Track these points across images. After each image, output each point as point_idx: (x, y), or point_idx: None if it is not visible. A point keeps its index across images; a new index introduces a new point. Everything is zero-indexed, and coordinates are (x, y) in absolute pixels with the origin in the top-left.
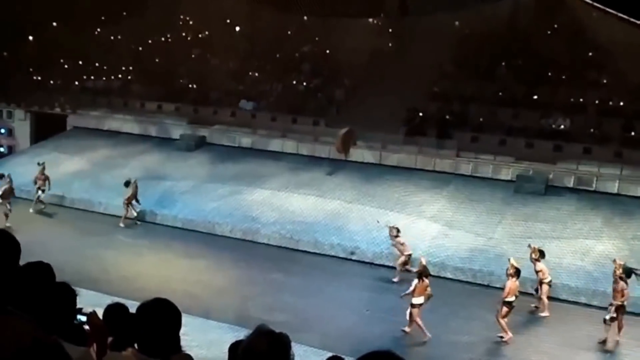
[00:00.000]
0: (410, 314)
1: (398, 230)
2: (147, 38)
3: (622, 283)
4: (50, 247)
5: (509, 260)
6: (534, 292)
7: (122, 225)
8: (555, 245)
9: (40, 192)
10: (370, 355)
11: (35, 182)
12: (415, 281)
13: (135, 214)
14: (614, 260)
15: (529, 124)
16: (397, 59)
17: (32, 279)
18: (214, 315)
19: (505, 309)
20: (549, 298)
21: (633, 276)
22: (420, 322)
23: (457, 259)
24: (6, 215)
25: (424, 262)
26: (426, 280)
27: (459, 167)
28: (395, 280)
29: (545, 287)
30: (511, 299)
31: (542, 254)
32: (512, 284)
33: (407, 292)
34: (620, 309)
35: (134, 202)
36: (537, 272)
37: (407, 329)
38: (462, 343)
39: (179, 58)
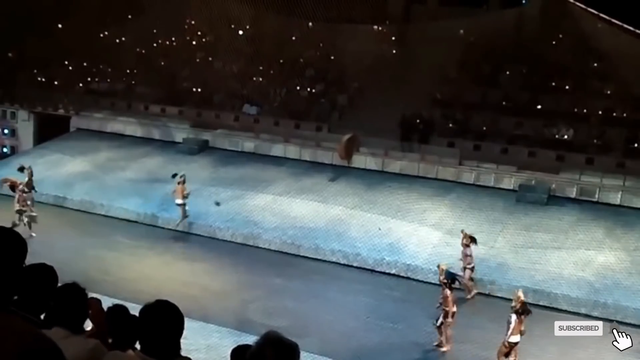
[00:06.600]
0: (501, 351)
1: (472, 240)
2: (151, 41)
3: (446, 290)
4: (51, 248)
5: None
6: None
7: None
8: (557, 255)
9: None
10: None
11: None
12: (514, 317)
13: None
14: (438, 266)
15: (531, 133)
16: (400, 66)
17: (35, 281)
18: (213, 319)
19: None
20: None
21: None
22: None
23: (459, 268)
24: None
25: (522, 298)
26: (523, 317)
27: (461, 176)
28: (469, 297)
29: (467, 272)
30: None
31: (473, 240)
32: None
33: (509, 333)
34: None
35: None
36: (467, 256)
37: None
38: (460, 351)
39: (183, 61)
